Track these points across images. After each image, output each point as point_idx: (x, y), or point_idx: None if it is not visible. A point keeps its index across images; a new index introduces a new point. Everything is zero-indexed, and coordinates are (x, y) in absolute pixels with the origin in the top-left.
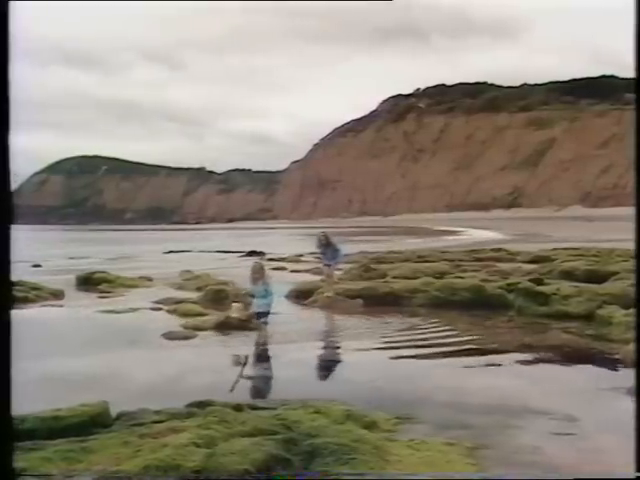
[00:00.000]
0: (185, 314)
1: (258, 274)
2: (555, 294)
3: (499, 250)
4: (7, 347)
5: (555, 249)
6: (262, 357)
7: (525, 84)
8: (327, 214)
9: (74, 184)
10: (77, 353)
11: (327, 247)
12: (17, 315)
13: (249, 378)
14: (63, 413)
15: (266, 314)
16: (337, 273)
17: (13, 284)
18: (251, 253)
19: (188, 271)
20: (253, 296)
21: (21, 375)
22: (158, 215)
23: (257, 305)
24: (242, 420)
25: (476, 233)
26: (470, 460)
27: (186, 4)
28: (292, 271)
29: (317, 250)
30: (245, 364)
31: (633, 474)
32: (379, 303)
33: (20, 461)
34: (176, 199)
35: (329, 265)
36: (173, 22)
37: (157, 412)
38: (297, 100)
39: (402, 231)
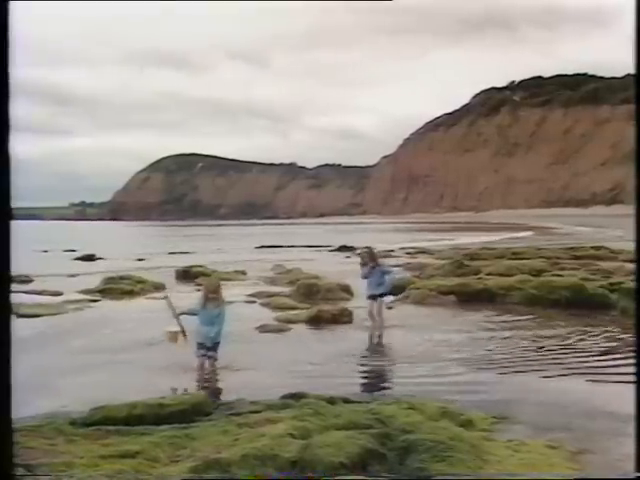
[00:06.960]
0: (278, 307)
1: (213, 293)
2: None
3: (599, 248)
4: (7, 346)
5: None
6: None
7: (629, 74)
8: (418, 209)
9: (173, 181)
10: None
11: (372, 269)
12: (124, 306)
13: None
14: (167, 401)
15: (209, 347)
16: (389, 309)
17: (120, 278)
18: (342, 248)
19: (280, 265)
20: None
21: (126, 364)
22: (251, 210)
23: (199, 333)
24: (336, 413)
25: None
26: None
27: (267, 3)
28: None
29: (362, 273)
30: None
31: (633, 474)
32: (472, 300)
33: (133, 444)
34: (268, 195)
35: (374, 297)
36: (256, 21)
37: (253, 402)
38: (384, 95)
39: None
